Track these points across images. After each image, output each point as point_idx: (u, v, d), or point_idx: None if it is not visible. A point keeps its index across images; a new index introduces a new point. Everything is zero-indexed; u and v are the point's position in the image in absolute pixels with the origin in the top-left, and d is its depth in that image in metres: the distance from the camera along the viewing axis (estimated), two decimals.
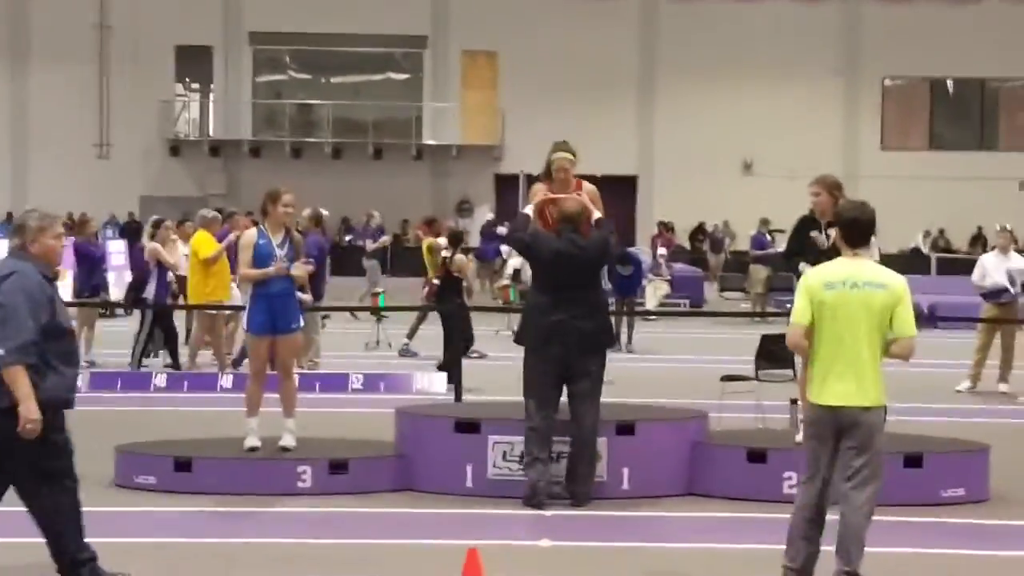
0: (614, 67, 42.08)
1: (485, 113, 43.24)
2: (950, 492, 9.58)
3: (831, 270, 6.94)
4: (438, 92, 43.17)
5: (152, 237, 16.55)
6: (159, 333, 16.52)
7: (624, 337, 19.64)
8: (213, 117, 44.18)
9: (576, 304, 9.50)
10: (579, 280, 9.58)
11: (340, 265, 36.68)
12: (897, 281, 6.87)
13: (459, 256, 17.09)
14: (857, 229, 6.93)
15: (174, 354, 16.46)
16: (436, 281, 16.85)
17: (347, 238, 42.11)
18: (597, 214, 9.78)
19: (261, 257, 10.18)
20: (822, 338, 6.81)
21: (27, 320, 6.50)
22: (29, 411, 6.52)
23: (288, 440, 10.08)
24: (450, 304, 15.98)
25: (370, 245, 26.33)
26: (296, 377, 11.03)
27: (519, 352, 9.89)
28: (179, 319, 18.48)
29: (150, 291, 16.32)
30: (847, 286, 6.78)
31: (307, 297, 13.69)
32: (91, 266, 17.59)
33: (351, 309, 21.70)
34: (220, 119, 43.82)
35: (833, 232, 10.08)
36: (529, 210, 9.89)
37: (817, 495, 6.89)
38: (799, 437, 9.94)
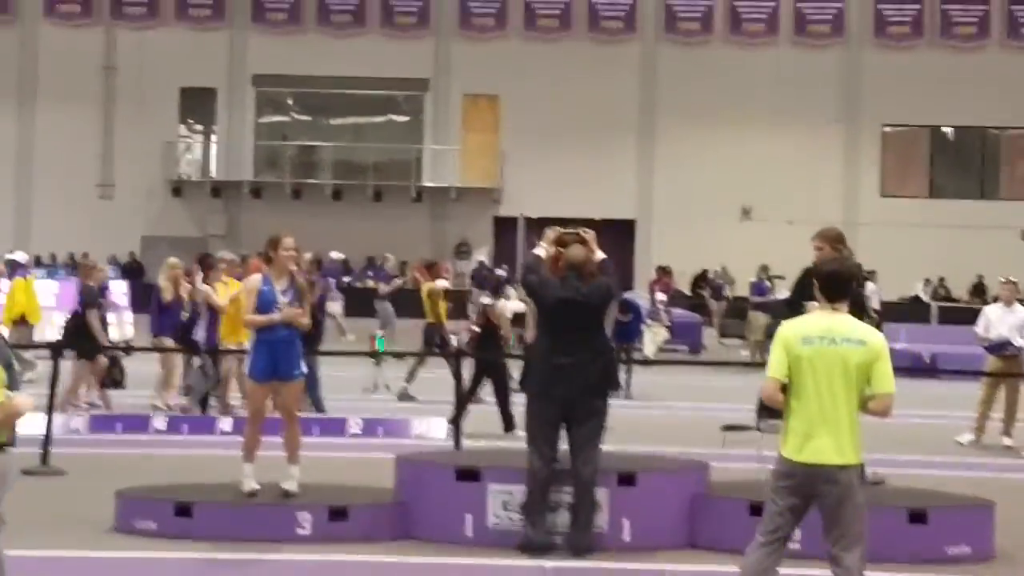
0: (614, 112, 42.21)
1: (485, 156, 43.35)
2: (955, 550, 9.49)
3: (809, 324, 6.84)
4: (439, 135, 43.29)
5: (205, 277, 16.54)
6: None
7: (623, 383, 19.65)
8: (215, 158, 44.29)
9: (580, 347, 9.52)
10: (582, 324, 9.60)
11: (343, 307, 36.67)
12: (875, 338, 6.79)
13: (500, 303, 17.13)
14: (836, 283, 6.83)
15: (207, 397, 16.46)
16: (476, 329, 16.85)
17: (346, 279, 42.13)
18: (600, 255, 9.80)
19: (264, 303, 10.18)
20: (799, 393, 6.71)
21: None
22: None
23: (291, 485, 10.05)
24: (490, 352, 16.00)
25: (383, 288, 26.37)
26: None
27: (518, 398, 9.86)
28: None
29: (199, 333, 16.29)
30: (825, 341, 6.68)
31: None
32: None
33: (348, 354, 21.63)
34: (222, 160, 43.93)
35: None
36: (541, 251, 9.87)
37: (773, 552, 6.80)
38: None
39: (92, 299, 16.18)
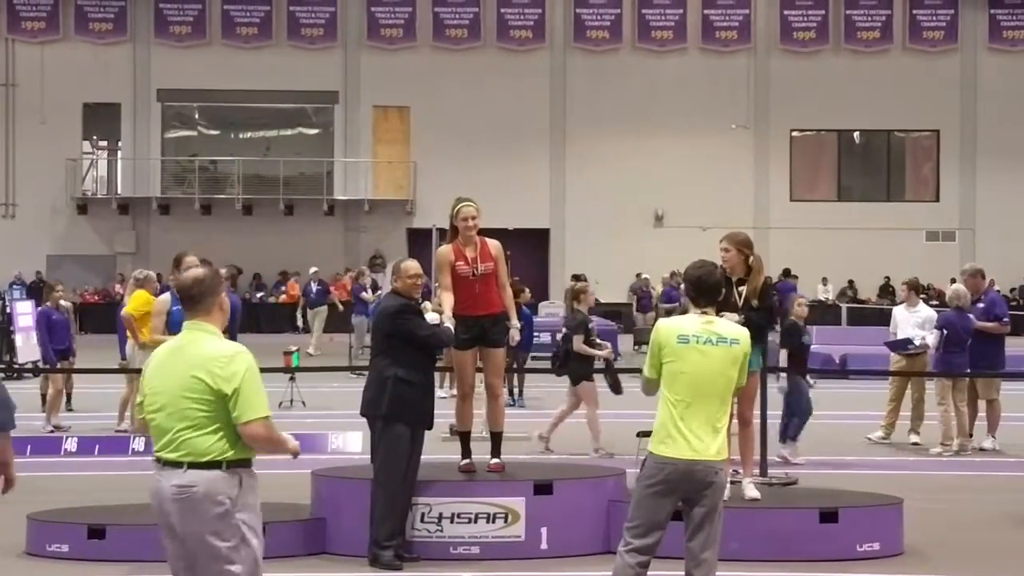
0: (525, 121, 42.36)
1: (397, 168, 43.30)
2: (865, 547, 9.65)
3: None
4: (350, 147, 43.17)
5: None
6: None
7: (516, 392, 20.08)
8: (121, 174, 43.81)
9: (370, 371, 9.78)
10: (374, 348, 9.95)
11: (255, 322, 36.50)
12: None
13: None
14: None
15: None
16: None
17: (259, 295, 41.86)
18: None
19: (175, 323, 10.11)
20: None
21: None
22: None
23: None
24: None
25: (367, 296, 26.42)
26: None
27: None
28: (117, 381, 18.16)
29: None
30: None
31: None
32: (55, 331, 17.68)
33: (264, 370, 21.50)
34: (128, 176, 43.45)
35: (744, 289, 10.21)
36: (449, 323, 9.83)
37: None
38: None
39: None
